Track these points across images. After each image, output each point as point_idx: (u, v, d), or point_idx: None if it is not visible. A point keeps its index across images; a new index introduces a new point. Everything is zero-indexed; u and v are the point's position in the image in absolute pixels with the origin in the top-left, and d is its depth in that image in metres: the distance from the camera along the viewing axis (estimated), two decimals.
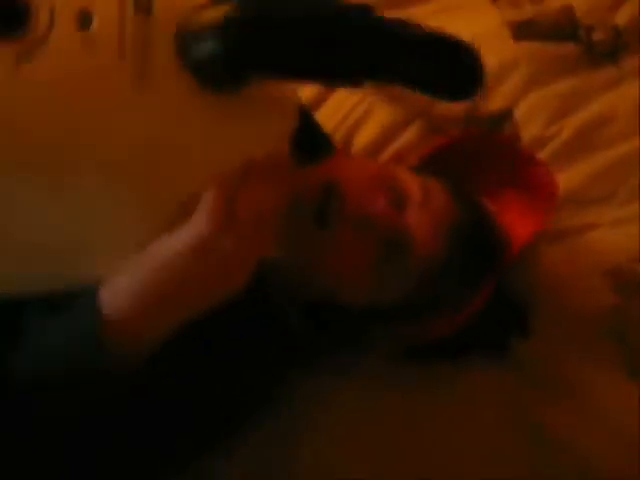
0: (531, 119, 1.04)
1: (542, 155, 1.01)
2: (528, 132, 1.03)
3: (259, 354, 0.78)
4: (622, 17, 1.11)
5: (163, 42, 0.60)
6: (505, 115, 1.03)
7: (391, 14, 0.91)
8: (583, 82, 1.06)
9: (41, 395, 0.60)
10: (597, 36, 1.09)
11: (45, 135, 0.57)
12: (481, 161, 0.94)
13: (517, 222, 0.87)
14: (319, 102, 1.06)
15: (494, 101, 1.04)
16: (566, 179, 0.99)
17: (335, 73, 0.60)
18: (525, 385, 0.87)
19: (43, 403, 0.60)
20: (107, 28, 0.59)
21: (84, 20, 0.59)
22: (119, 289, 0.59)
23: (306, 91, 1.04)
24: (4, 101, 0.56)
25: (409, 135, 1.03)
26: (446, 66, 0.60)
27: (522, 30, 1.09)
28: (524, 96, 1.05)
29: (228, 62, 0.59)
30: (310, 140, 0.91)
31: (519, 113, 1.04)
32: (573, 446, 0.83)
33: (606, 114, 1.04)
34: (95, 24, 0.58)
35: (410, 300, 0.80)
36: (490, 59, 1.01)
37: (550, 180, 0.92)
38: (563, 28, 1.09)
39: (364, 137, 1.04)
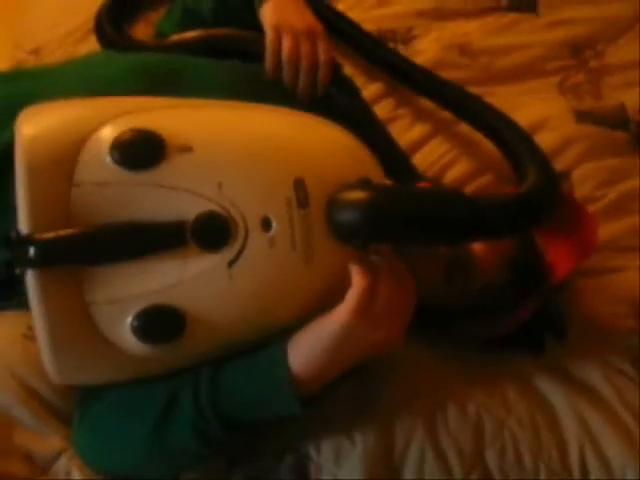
0: (584, 182, 1.28)
1: (589, 211, 1.23)
2: (580, 192, 1.27)
3: None
4: None
5: (319, 224, 0.78)
6: (564, 175, 1.27)
7: (478, 92, 1.23)
8: (628, 162, 1.31)
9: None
10: None
11: (250, 310, 0.79)
12: None
13: (561, 258, 1.05)
14: (417, 148, 1.32)
15: (557, 164, 1.27)
16: (605, 230, 1.20)
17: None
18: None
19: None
20: (282, 227, 0.77)
21: (266, 225, 0.77)
22: (300, 357, 0.79)
23: (400, 141, 1.30)
24: (225, 295, 0.77)
25: (483, 181, 1.28)
26: None
27: (583, 116, 1.36)
28: (580, 164, 1.29)
29: (367, 229, 0.78)
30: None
31: (575, 176, 1.28)
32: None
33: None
34: (274, 226, 0.78)
35: (474, 308, 1.01)
36: (556, 133, 1.33)
37: (593, 230, 1.10)
38: (616, 119, 1.37)
39: (449, 178, 1.30)
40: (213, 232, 0.76)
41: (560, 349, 1.10)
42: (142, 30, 1.34)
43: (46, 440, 0.92)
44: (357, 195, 0.77)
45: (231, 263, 0.76)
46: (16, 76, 1.12)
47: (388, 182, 0.89)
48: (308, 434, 0.96)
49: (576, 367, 1.08)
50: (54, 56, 1.33)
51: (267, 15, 1.07)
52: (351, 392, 0.98)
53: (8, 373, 0.92)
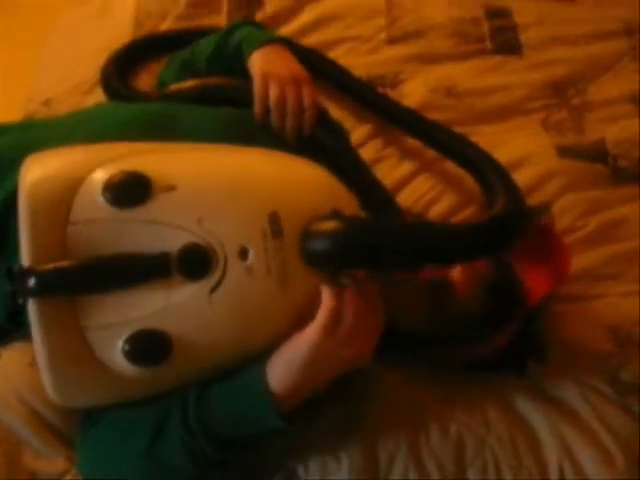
0: (565, 214, 1.34)
1: (570, 240, 1.30)
2: (561, 223, 1.33)
3: None
4: None
5: (294, 252, 0.85)
6: (545, 208, 1.34)
7: (464, 131, 1.30)
8: (607, 194, 1.38)
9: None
10: (622, 163, 1.42)
11: (231, 333, 0.86)
12: None
13: (537, 284, 1.11)
14: (404, 185, 1.39)
15: (538, 196, 1.35)
16: (586, 259, 1.27)
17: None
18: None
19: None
20: (258, 256, 0.84)
21: (243, 254, 0.84)
22: (277, 376, 0.85)
23: (388, 178, 1.37)
24: (208, 320, 0.84)
25: (468, 213, 1.34)
26: None
27: (564, 151, 1.44)
28: (561, 197, 1.36)
29: (336, 257, 0.84)
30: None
31: (556, 208, 1.34)
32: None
33: (619, 220, 1.34)
34: (251, 255, 0.85)
35: (451, 332, 1.05)
36: (538, 168, 1.39)
37: (567, 257, 1.17)
38: (596, 153, 1.43)
39: (435, 212, 1.36)
40: (195, 262, 0.83)
41: (540, 370, 1.15)
42: (145, 80, 1.44)
43: (51, 461, 0.99)
44: (326, 225, 0.85)
45: (212, 290, 0.83)
46: (25, 126, 1.21)
47: (361, 214, 0.95)
48: (296, 453, 1.02)
49: (556, 388, 1.13)
50: (64, 107, 1.42)
51: (255, 65, 1.16)
52: (337, 413, 1.04)
53: (16, 398, 0.99)
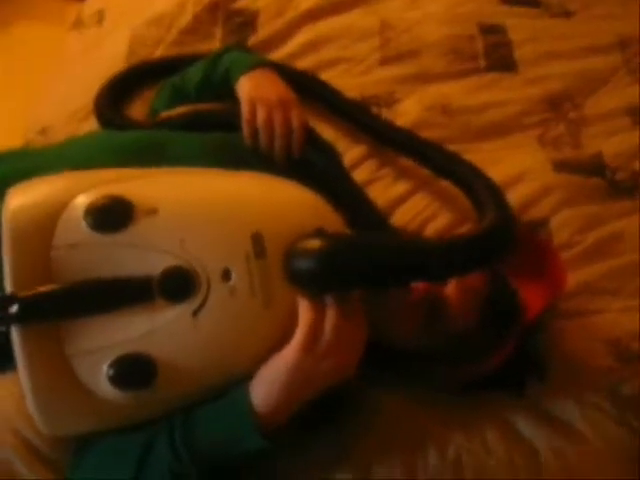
0: (562, 229, 1.33)
1: (568, 255, 1.29)
2: (559, 238, 1.32)
3: None
4: None
5: (277, 272, 0.85)
6: (542, 223, 1.34)
7: (460, 149, 1.30)
8: (605, 208, 1.37)
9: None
10: (619, 176, 1.41)
11: (215, 354, 0.85)
12: (517, 250, 1.12)
13: (533, 299, 1.09)
14: (399, 204, 1.39)
15: (535, 212, 1.35)
16: (584, 274, 1.26)
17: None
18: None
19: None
20: (241, 277, 0.84)
21: (226, 275, 0.84)
22: (260, 395, 0.85)
23: (383, 198, 1.37)
24: (192, 342, 0.83)
25: (463, 230, 1.33)
26: None
27: (560, 166, 1.43)
28: (558, 212, 1.35)
29: (319, 275, 0.84)
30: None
31: (553, 223, 1.34)
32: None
33: (617, 233, 1.33)
34: (234, 276, 0.84)
35: (448, 350, 1.03)
36: (535, 184, 1.39)
37: (563, 273, 1.16)
38: (593, 167, 1.42)
39: (430, 230, 1.35)
40: (178, 285, 0.83)
41: (540, 389, 1.13)
42: (138, 107, 1.44)
43: None
44: (309, 244, 0.84)
45: (196, 312, 0.83)
46: (20, 155, 1.22)
47: (346, 232, 0.95)
48: (292, 478, 1.00)
49: (556, 406, 1.11)
50: (59, 135, 1.42)
51: (242, 89, 1.18)
52: (332, 436, 1.02)
53: (7, 428, 0.98)
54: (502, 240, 0.94)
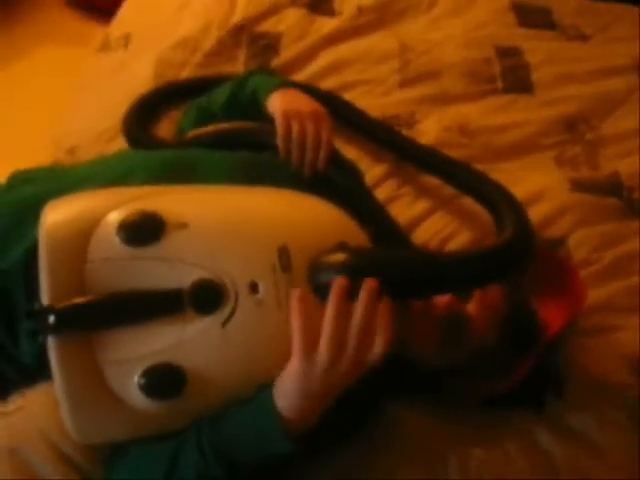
0: (579, 247, 1.36)
1: (587, 273, 1.31)
2: (577, 256, 1.34)
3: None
4: None
5: (303, 285, 0.86)
6: (560, 242, 1.36)
7: (485, 169, 1.32)
8: (621, 227, 1.39)
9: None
10: (636, 195, 1.44)
11: (243, 364, 0.87)
12: (537, 268, 1.12)
13: (553, 316, 1.11)
14: (419, 222, 1.42)
15: (553, 230, 1.37)
16: (603, 291, 1.28)
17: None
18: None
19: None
20: (268, 289, 0.87)
21: (254, 288, 0.86)
22: (282, 401, 0.85)
23: (403, 216, 1.40)
24: (221, 352, 0.85)
25: None
26: None
27: (577, 186, 1.46)
28: (575, 231, 1.38)
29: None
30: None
31: (571, 241, 1.36)
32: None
33: (634, 252, 1.35)
34: (261, 289, 0.87)
35: (468, 365, 1.06)
36: (552, 203, 1.41)
37: (583, 289, 1.17)
38: (609, 187, 1.45)
39: (451, 248, 1.37)
40: (207, 297, 0.86)
41: (560, 404, 1.15)
42: (166, 127, 1.48)
43: None
44: (333, 258, 0.87)
45: (224, 323, 0.85)
46: (50, 175, 1.25)
47: (369, 246, 0.97)
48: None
49: (576, 421, 1.13)
50: (87, 155, 1.46)
51: (276, 104, 1.19)
52: (355, 449, 1.04)
53: (43, 440, 1.01)
54: (519, 253, 0.96)
